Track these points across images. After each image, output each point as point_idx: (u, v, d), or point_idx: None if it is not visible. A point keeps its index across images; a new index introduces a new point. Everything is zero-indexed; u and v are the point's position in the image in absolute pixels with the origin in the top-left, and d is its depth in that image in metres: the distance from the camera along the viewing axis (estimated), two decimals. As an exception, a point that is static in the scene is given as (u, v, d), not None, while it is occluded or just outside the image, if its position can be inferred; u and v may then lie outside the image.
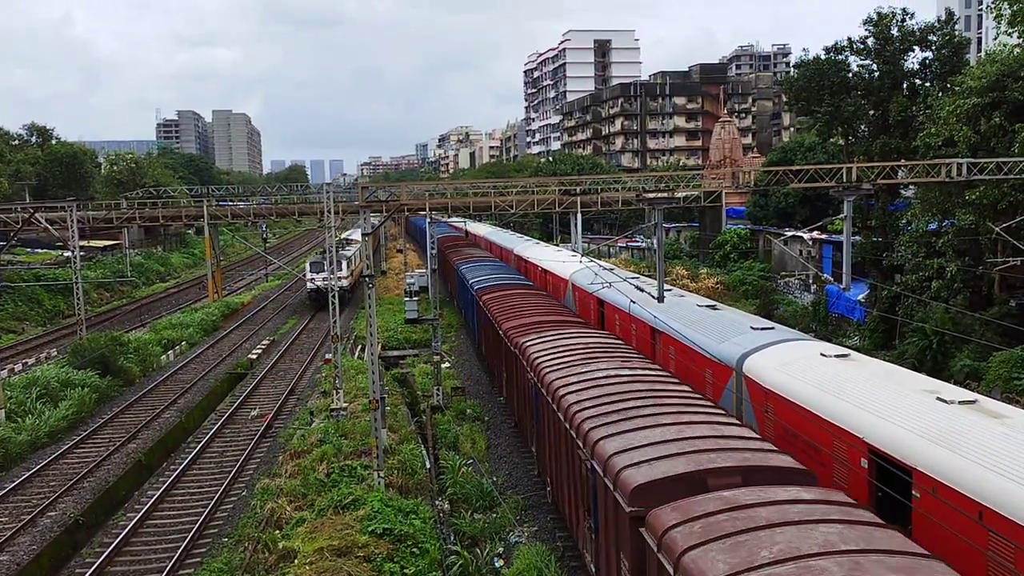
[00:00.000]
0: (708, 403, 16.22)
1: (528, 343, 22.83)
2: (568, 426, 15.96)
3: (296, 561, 17.10)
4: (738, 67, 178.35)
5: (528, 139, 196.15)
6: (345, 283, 54.61)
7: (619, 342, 23.32)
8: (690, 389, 17.41)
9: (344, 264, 55.79)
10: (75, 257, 42.20)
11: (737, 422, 15.13)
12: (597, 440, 13.80)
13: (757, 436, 14.03)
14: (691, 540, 9.67)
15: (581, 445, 14.70)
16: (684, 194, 57.73)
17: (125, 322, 52.80)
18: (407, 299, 50.12)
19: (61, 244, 63.05)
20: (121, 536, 20.37)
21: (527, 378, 21.67)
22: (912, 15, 41.37)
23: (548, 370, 19.32)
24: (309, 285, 56.46)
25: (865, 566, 8.58)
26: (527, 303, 30.63)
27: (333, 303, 30.22)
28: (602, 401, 15.85)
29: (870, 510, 10.95)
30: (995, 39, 40.90)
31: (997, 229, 31.05)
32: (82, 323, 40.48)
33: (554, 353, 20.90)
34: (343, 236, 72.19)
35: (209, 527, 21.11)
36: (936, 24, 41.22)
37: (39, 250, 73.82)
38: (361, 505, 19.21)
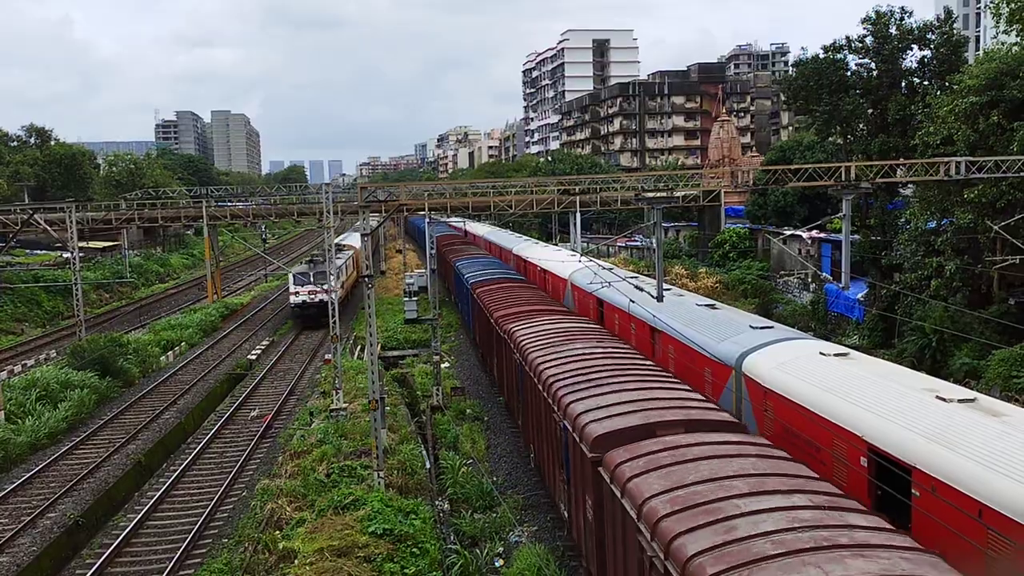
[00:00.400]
0: (668, 375, 18.79)
1: (515, 328, 25.25)
2: (546, 395, 18.30)
3: (296, 561, 17.11)
4: (737, 66, 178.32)
5: (527, 139, 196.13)
6: (336, 296, 49.27)
7: (596, 326, 26.23)
8: (655, 364, 20.15)
9: (333, 276, 50.19)
10: (74, 258, 42.20)
11: (689, 388, 17.39)
12: (568, 403, 16.23)
13: (703, 398, 16.52)
14: (635, 471, 12.06)
15: (556, 409, 17.13)
16: (683, 193, 57.70)
17: (124, 323, 52.80)
18: (406, 299, 50.15)
19: (60, 245, 63.00)
20: (121, 537, 20.37)
21: (514, 358, 24.02)
22: (910, 14, 41.39)
23: (531, 349, 21.71)
24: (293, 299, 49.66)
25: (767, 483, 11.15)
26: (516, 294, 33.21)
27: (333, 306, 30.23)
28: (575, 374, 18.13)
29: (783, 450, 13.25)
30: (993, 37, 40.96)
31: (996, 227, 31.06)
32: (81, 324, 40.48)
33: (537, 335, 23.32)
34: (336, 240, 66.97)
35: (209, 528, 21.12)
36: (934, 23, 41.21)
37: (38, 251, 73.79)
38: (361, 505, 19.22)
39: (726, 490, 10.79)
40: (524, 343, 22.60)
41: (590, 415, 14.96)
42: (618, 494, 11.98)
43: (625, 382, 16.99)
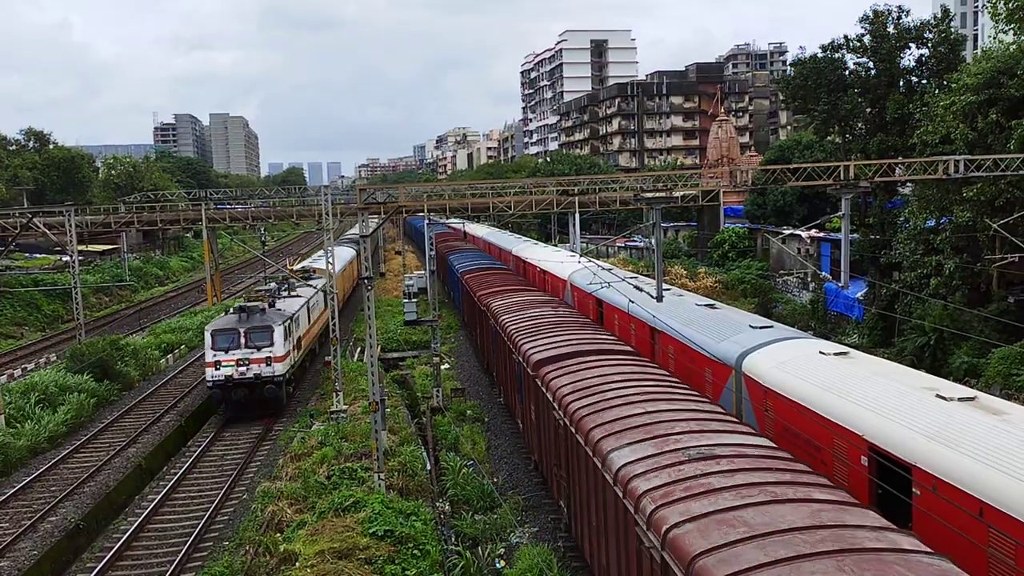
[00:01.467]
0: (595, 325, 26.18)
1: (490, 301, 32.83)
2: (509, 344, 25.65)
3: (297, 564, 17.10)
4: (735, 66, 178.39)
5: (525, 140, 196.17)
6: (280, 369, 30.46)
7: (552, 297, 34.40)
8: (587, 319, 28.35)
9: (279, 333, 30.68)
10: (73, 262, 42.20)
11: (607, 332, 25.46)
12: (520, 343, 23.63)
13: (615, 337, 24.59)
14: (558, 376, 19.43)
15: (514, 351, 24.37)
16: (682, 193, 57.59)
17: (124, 326, 52.78)
18: (406, 301, 50.13)
19: (59, 249, 62.99)
20: (122, 540, 20.36)
21: (489, 324, 31.15)
22: (908, 12, 41.41)
23: (502, 313, 29.19)
24: (211, 375, 30.28)
25: (637, 377, 18.60)
26: (496, 278, 40.57)
27: (332, 305, 30.21)
28: (528, 327, 25.78)
29: (660, 367, 20.51)
30: (991, 36, 40.95)
31: (995, 226, 31.07)
32: (81, 328, 40.47)
33: (507, 304, 31.11)
34: (301, 265, 51.26)
35: (210, 531, 21.10)
36: (932, 21, 41.24)
37: (37, 255, 73.76)
38: (362, 507, 19.22)
39: (606, 382, 17.90)
40: (496, 309, 30.52)
41: (535, 350, 22.26)
42: (545, 391, 19.30)
43: (562, 330, 24.48)
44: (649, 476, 12.29)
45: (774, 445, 13.70)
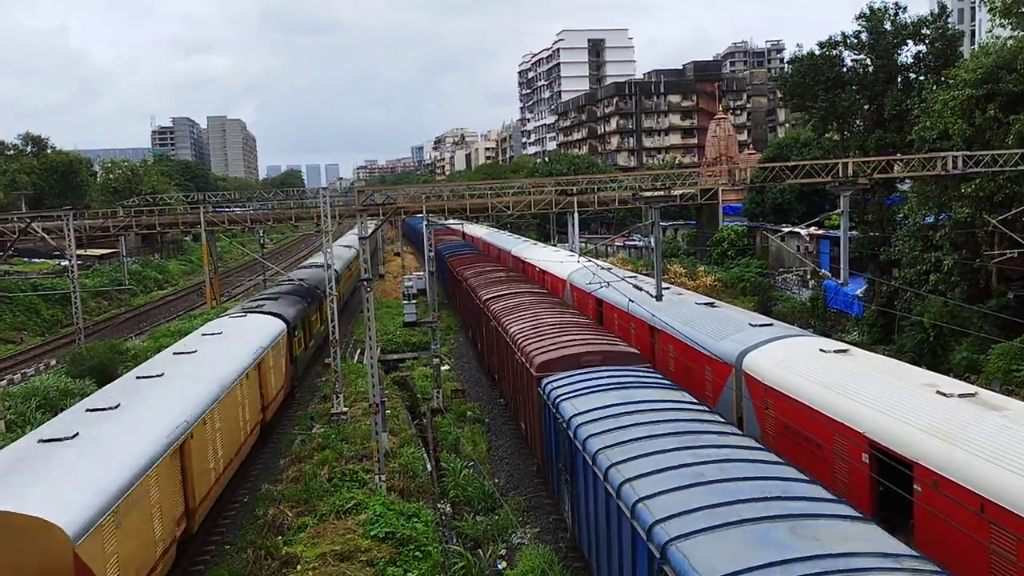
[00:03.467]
0: (593, 324, 27.58)
1: (471, 278, 39.13)
2: (494, 321, 29.69)
3: (299, 567, 17.11)
4: (732, 64, 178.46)
5: (524, 140, 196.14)
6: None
7: (530, 282, 40.57)
8: (546, 295, 33.82)
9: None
10: (72, 266, 42.17)
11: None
12: (525, 345, 23.38)
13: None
14: (522, 332, 23.77)
15: (493, 320, 28.99)
16: (681, 192, 57.69)
17: (123, 330, 52.71)
18: (405, 302, 50.08)
19: (58, 253, 62.92)
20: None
21: (474, 304, 36.05)
22: (904, 9, 41.40)
23: (482, 290, 34.09)
24: None
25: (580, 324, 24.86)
26: (478, 265, 46.18)
27: (332, 308, 30.19)
28: (510, 305, 29.92)
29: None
30: (988, 31, 40.95)
31: (994, 222, 31.07)
32: (80, 332, 40.44)
33: (485, 279, 37.43)
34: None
35: (212, 534, 21.04)
36: (929, 17, 41.23)
37: (36, 260, 73.70)
38: (363, 509, 19.21)
39: (566, 333, 22.68)
40: (476, 286, 36.13)
41: (536, 348, 23.19)
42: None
43: (564, 331, 25.33)
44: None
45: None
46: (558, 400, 17.64)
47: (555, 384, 18.66)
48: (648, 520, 10.99)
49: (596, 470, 13.72)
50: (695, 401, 16.87)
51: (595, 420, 15.43)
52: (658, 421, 14.70)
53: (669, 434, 13.86)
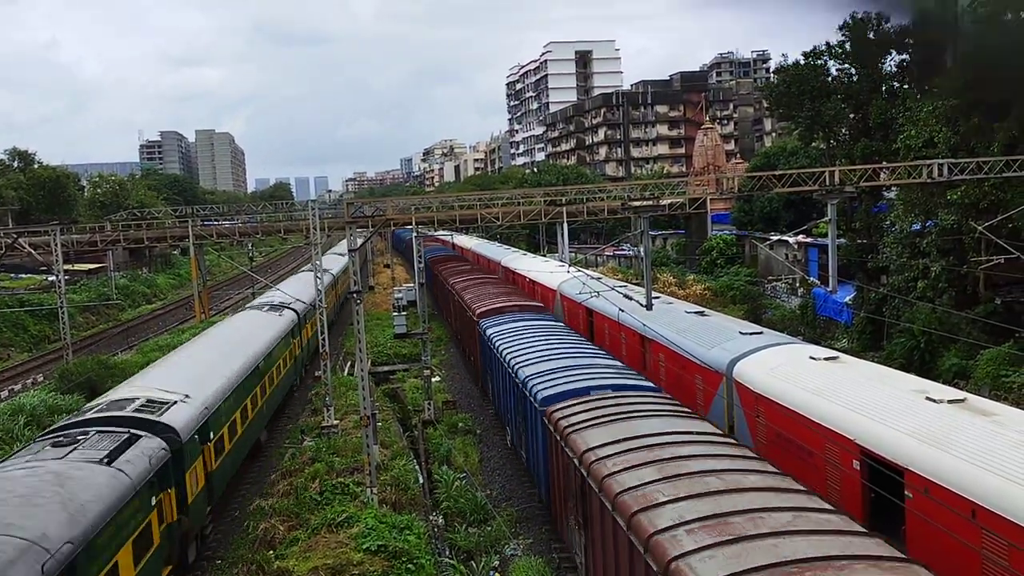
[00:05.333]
0: (585, 340, 26.79)
1: (448, 274, 47.15)
2: (465, 306, 36.33)
3: (291, 581, 16.98)
4: (719, 74, 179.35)
5: (512, 151, 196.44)
6: None
7: (500, 279, 47.10)
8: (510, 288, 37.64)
9: None
10: (60, 281, 41.92)
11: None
12: (471, 302, 32.92)
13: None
14: (502, 335, 26.50)
15: (471, 312, 33.60)
16: (669, 201, 57.87)
17: (112, 345, 52.38)
18: (395, 314, 49.97)
19: (45, 268, 62.57)
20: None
21: (453, 299, 40.12)
22: (887, 20, 41.73)
23: (457, 284, 40.21)
24: None
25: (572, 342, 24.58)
26: (457, 266, 53.09)
27: (322, 320, 30.12)
28: (490, 300, 33.87)
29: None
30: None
31: (980, 228, 31.30)
32: (68, 347, 40.16)
33: (459, 276, 43.87)
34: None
35: (203, 549, 20.88)
36: (911, 27, 41.58)
37: (23, 275, 73.20)
38: (355, 522, 19.11)
39: (552, 348, 22.91)
40: (452, 280, 43.60)
41: (484, 308, 30.55)
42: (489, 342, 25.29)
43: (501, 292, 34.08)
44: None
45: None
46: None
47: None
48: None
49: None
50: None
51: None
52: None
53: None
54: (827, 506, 11.17)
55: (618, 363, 22.23)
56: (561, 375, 19.88)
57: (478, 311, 32.34)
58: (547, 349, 23.25)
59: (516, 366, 22.03)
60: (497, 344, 25.90)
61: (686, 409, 17.24)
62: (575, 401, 17.44)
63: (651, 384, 20.12)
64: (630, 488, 12.24)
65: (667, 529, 10.70)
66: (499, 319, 30.13)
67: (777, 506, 10.91)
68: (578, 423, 15.94)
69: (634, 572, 11.30)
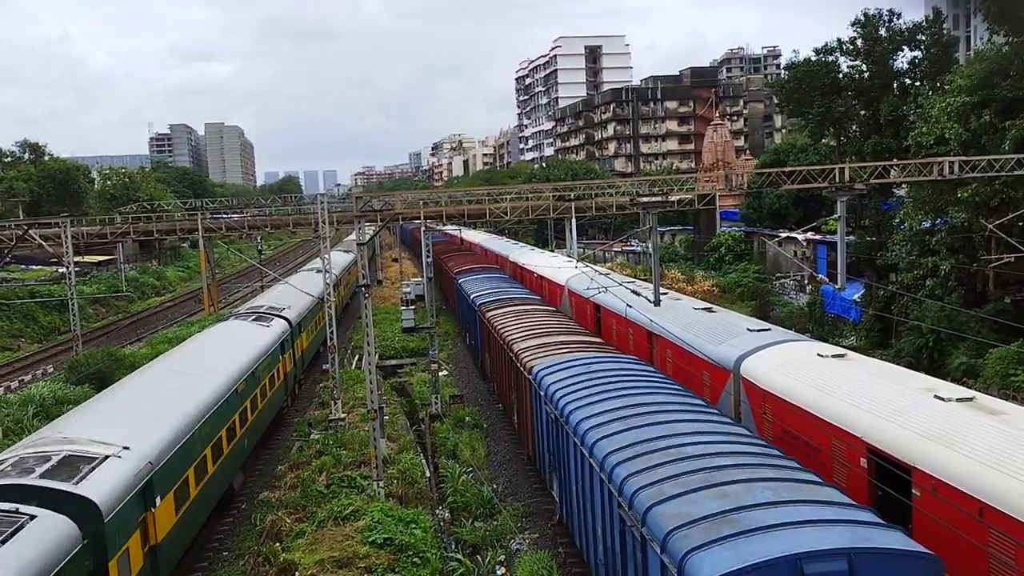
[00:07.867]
0: (573, 323, 29.66)
1: (450, 261, 50.55)
2: (474, 304, 35.79)
3: (297, 573, 17.07)
4: (729, 70, 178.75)
5: (521, 146, 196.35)
6: None
7: (502, 272, 48.84)
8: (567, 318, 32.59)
9: None
10: (70, 273, 42.13)
11: (583, 329, 28.39)
12: (472, 292, 34.84)
13: (587, 331, 28.09)
14: (496, 312, 30.59)
15: (469, 298, 36.04)
16: (678, 197, 57.81)
17: (121, 337, 52.64)
18: (403, 308, 50.01)
19: (56, 260, 62.94)
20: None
21: (454, 286, 43.95)
22: (899, 16, 41.57)
23: (458, 272, 43.60)
24: None
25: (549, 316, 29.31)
26: (458, 256, 54.52)
27: (330, 314, 30.20)
28: (489, 289, 35.88)
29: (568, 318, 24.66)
30: (983, 38, 41.12)
31: (990, 226, 31.15)
32: (78, 339, 40.38)
33: (459, 262, 47.54)
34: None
35: (210, 541, 21.01)
36: (924, 24, 41.41)
37: (34, 267, 73.61)
38: (361, 515, 19.17)
39: (532, 318, 26.99)
40: (453, 267, 47.61)
41: (483, 295, 33.35)
42: (489, 325, 28.04)
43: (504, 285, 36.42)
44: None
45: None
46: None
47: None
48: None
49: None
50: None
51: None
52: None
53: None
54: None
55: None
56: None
57: (481, 305, 32.46)
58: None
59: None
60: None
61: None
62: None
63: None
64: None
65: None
66: (503, 309, 30.59)
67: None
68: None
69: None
